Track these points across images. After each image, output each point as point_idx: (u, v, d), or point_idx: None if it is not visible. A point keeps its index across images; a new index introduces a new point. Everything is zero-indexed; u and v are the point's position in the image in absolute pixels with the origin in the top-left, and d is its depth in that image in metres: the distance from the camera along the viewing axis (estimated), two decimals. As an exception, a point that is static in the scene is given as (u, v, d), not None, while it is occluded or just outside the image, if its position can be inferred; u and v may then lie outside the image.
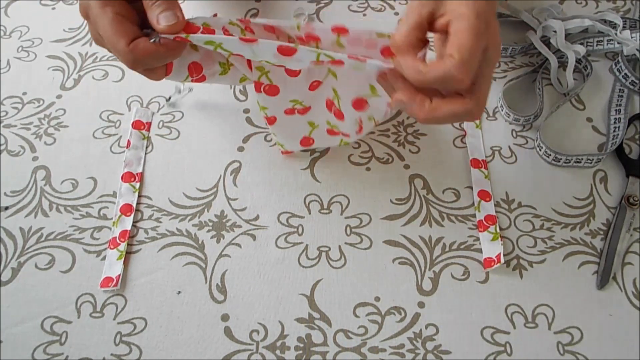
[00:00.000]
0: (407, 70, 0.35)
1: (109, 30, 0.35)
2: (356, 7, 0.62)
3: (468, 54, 0.33)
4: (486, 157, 0.51)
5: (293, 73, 0.41)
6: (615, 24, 0.57)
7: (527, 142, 0.52)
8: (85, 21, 0.38)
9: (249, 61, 0.40)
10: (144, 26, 0.37)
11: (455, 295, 0.44)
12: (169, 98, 0.54)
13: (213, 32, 0.37)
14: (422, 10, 0.36)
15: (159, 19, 0.35)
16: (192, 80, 0.41)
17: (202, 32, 0.36)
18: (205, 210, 0.48)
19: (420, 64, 0.34)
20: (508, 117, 0.53)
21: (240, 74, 0.42)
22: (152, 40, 0.35)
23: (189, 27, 0.36)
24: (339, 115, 0.44)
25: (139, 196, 0.49)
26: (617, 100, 0.54)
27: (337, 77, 0.41)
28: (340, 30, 0.37)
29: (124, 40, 0.35)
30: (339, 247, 0.46)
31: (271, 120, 0.45)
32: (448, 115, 0.35)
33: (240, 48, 0.36)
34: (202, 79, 0.41)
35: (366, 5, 0.62)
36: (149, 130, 0.53)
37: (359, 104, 0.42)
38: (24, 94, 0.55)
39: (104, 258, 0.45)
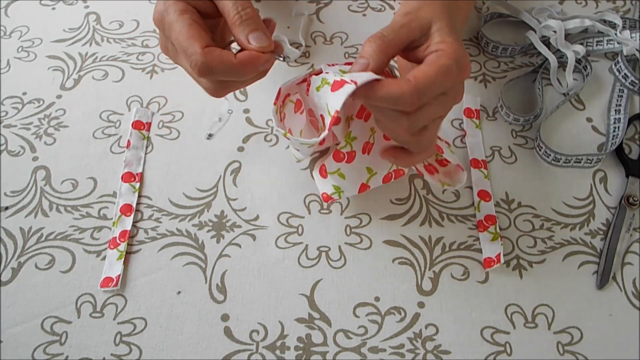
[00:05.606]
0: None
1: (184, 33, 0.35)
2: (356, 7, 0.62)
3: (426, 84, 0.34)
4: (486, 157, 0.51)
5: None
6: (615, 24, 0.57)
7: (526, 142, 0.52)
8: (157, 29, 0.38)
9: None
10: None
11: (455, 295, 0.44)
12: (210, 135, 0.50)
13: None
14: (408, 35, 0.37)
15: (250, 38, 0.36)
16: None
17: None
18: (205, 210, 0.48)
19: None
20: (508, 117, 0.53)
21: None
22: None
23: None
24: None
25: (139, 196, 0.49)
26: (617, 100, 0.54)
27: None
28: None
29: (199, 44, 0.35)
30: (339, 247, 0.46)
31: (351, 156, 0.43)
32: (386, 98, 0.34)
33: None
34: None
35: (366, 5, 0.62)
36: (149, 130, 0.53)
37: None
38: (24, 94, 0.55)
39: (104, 258, 0.45)
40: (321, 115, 0.39)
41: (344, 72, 0.38)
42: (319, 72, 0.40)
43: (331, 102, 0.36)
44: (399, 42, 0.37)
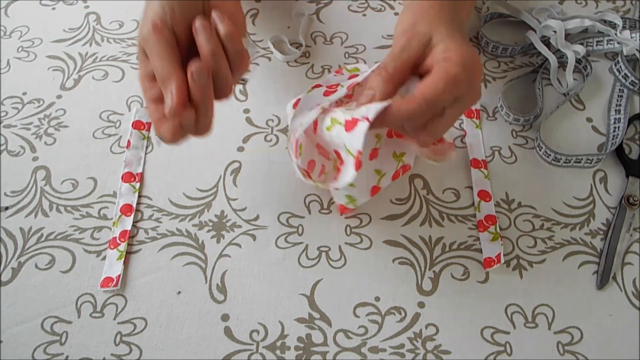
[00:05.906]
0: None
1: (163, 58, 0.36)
2: (356, 7, 0.62)
3: (434, 95, 0.35)
4: (486, 157, 0.51)
5: None
6: (615, 24, 0.57)
7: (527, 142, 0.52)
8: (140, 57, 0.38)
9: None
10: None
11: (455, 295, 0.44)
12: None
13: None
14: (410, 56, 0.38)
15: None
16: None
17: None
18: (205, 210, 0.48)
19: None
20: (508, 117, 0.53)
21: None
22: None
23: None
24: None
25: (139, 196, 0.49)
26: (617, 100, 0.54)
27: None
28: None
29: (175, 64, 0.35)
30: (339, 247, 0.46)
31: (358, 164, 0.43)
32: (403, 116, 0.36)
33: None
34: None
35: (366, 5, 0.62)
36: (149, 130, 0.53)
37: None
38: (24, 94, 0.55)
39: (104, 258, 0.45)
40: (335, 151, 0.40)
41: (350, 109, 0.39)
42: (326, 112, 0.40)
43: (349, 142, 0.37)
44: (403, 67, 0.38)
